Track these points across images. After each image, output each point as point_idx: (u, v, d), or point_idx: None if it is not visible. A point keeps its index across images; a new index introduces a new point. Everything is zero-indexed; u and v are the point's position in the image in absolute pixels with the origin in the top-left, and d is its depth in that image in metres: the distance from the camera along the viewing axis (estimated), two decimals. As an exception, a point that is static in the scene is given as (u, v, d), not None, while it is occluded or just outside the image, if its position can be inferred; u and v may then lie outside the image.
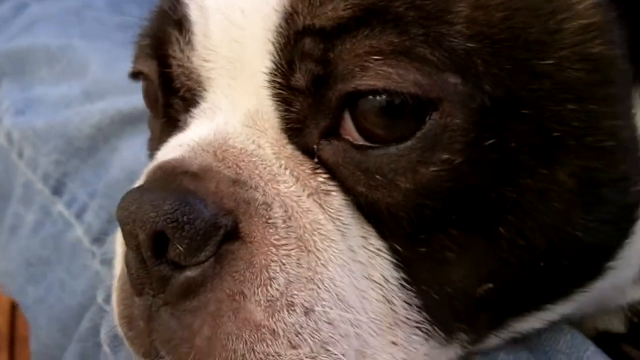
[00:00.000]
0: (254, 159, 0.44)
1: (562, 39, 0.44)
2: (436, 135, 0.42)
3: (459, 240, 0.44)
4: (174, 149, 0.46)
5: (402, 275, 0.44)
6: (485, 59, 0.42)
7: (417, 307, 0.44)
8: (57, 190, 0.76)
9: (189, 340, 0.42)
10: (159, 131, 0.52)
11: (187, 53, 0.47)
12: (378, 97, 0.42)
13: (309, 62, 0.43)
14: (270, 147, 0.44)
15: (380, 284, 0.43)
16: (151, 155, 0.55)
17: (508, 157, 0.43)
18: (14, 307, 1.44)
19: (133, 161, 0.71)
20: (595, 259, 0.47)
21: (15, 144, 0.82)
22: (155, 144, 0.53)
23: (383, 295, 0.43)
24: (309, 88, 0.43)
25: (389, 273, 0.44)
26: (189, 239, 0.41)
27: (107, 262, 0.65)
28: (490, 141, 0.43)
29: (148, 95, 0.54)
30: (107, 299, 0.62)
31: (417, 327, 0.44)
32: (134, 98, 0.79)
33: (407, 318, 0.44)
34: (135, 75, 0.54)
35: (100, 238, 0.69)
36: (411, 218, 0.43)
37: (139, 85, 0.84)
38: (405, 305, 0.44)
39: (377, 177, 0.43)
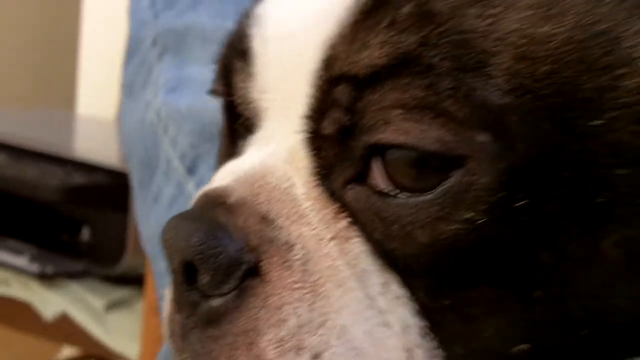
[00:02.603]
0: (283, 197, 0.45)
1: (616, 97, 0.40)
2: (459, 193, 0.40)
3: (489, 297, 0.42)
4: (225, 175, 0.48)
5: (425, 324, 0.43)
6: (522, 116, 0.40)
7: (440, 358, 0.43)
8: (191, 170, 0.81)
9: None
10: (225, 150, 0.54)
11: (248, 83, 0.49)
12: (405, 149, 0.41)
13: (338, 110, 0.43)
14: (303, 187, 0.45)
15: (399, 332, 0.43)
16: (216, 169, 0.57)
17: (544, 221, 0.41)
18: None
19: None
20: None
21: (163, 120, 0.88)
22: (221, 160, 0.55)
23: (403, 344, 0.43)
24: (336, 136, 0.43)
25: (410, 321, 0.43)
26: (213, 271, 0.43)
27: None
28: (522, 202, 0.40)
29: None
30: None
31: None
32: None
33: None
34: (212, 92, 0.56)
35: None
36: (428, 272, 0.42)
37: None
38: (426, 356, 0.43)
39: (394, 227, 0.42)
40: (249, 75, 0.48)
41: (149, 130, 0.92)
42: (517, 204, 0.40)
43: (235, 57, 0.50)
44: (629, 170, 0.40)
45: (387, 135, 0.41)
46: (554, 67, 0.40)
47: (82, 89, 2.23)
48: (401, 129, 0.40)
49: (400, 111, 0.40)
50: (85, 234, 1.67)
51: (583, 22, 0.41)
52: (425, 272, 0.42)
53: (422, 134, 0.40)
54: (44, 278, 1.65)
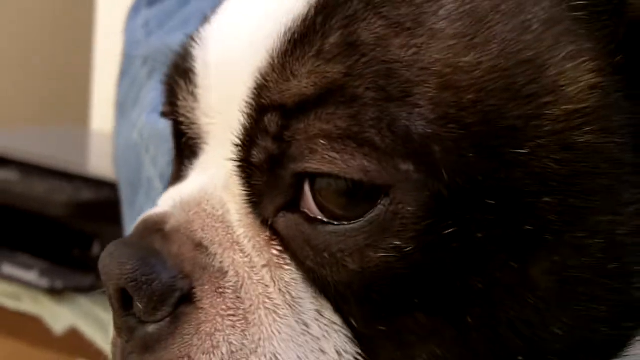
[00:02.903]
0: (217, 225, 0.45)
1: (541, 126, 0.40)
2: (386, 221, 0.40)
3: (423, 324, 0.42)
4: (167, 201, 0.48)
5: (358, 350, 0.43)
6: (447, 144, 0.40)
7: None
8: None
9: None
10: (174, 173, 0.54)
11: (191, 104, 0.49)
12: (332, 178, 0.41)
13: (267, 139, 0.43)
14: (237, 214, 0.45)
15: (334, 359, 0.43)
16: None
17: (473, 247, 0.40)
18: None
19: None
20: (591, 356, 0.43)
21: (145, 140, 0.88)
22: (170, 183, 0.56)
23: None
24: (265, 165, 0.43)
25: (343, 347, 0.43)
26: (147, 298, 0.43)
27: None
28: (450, 230, 0.40)
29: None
30: None
31: None
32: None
33: None
34: (163, 115, 0.56)
35: None
36: (361, 298, 0.42)
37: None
38: None
39: (325, 254, 0.42)
40: (192, 95, 0.49)
41: (133, 149, 0.92)
42: (445, 232, 0.40)
43: (179, 77, 0.50)
44: (556, 198, 0.40)
45: (312, 165, 0.41)
46: (479, 95, 0.40)
47: (96, 104, 2.26)
48: (326, 158, 0.40)
49: (325, 141, 0.40)
50: (97, 248, 1.68)
51: (508, 50, 0.40)
52: (357, 298, 0.42)
53: (346, 163, 0.40)
54: (54, 293, 1.66)
